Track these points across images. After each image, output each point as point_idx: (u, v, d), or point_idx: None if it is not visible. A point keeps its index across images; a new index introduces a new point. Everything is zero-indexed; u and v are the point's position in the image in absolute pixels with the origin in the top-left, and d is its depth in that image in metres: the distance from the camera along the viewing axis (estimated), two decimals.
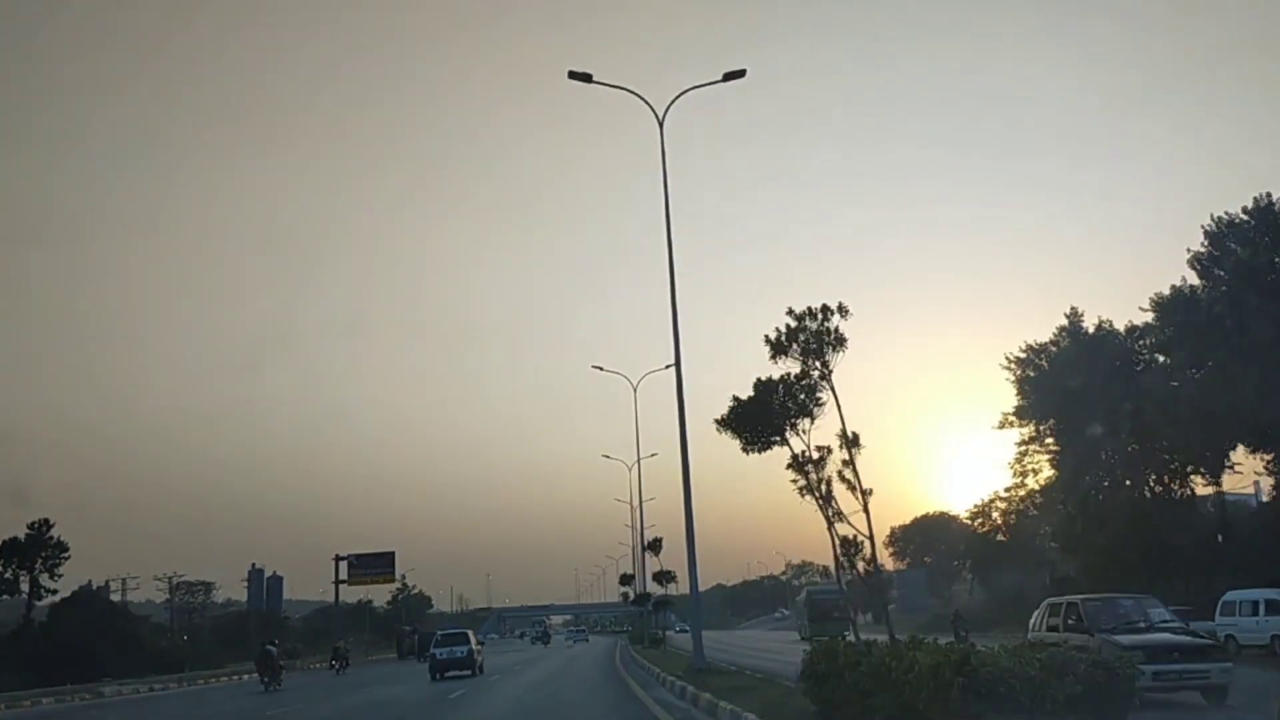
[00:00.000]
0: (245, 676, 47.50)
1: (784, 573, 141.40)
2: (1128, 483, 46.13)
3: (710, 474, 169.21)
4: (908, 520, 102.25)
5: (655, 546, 51.06)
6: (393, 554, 77.37)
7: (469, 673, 32.61)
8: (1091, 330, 48.59)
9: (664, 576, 53.48)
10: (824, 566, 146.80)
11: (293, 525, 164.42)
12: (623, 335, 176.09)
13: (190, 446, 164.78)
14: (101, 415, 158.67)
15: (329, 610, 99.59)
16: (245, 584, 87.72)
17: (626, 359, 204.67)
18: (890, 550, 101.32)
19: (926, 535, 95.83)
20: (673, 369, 23.92)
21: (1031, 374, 50.79)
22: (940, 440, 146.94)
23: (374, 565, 76.89)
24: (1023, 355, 51.96)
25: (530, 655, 56.31)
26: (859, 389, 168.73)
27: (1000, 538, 57.42)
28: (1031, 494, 53.02)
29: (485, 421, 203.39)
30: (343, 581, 74.61)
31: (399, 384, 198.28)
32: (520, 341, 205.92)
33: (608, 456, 65.16)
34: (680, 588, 51.62)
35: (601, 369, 52.26)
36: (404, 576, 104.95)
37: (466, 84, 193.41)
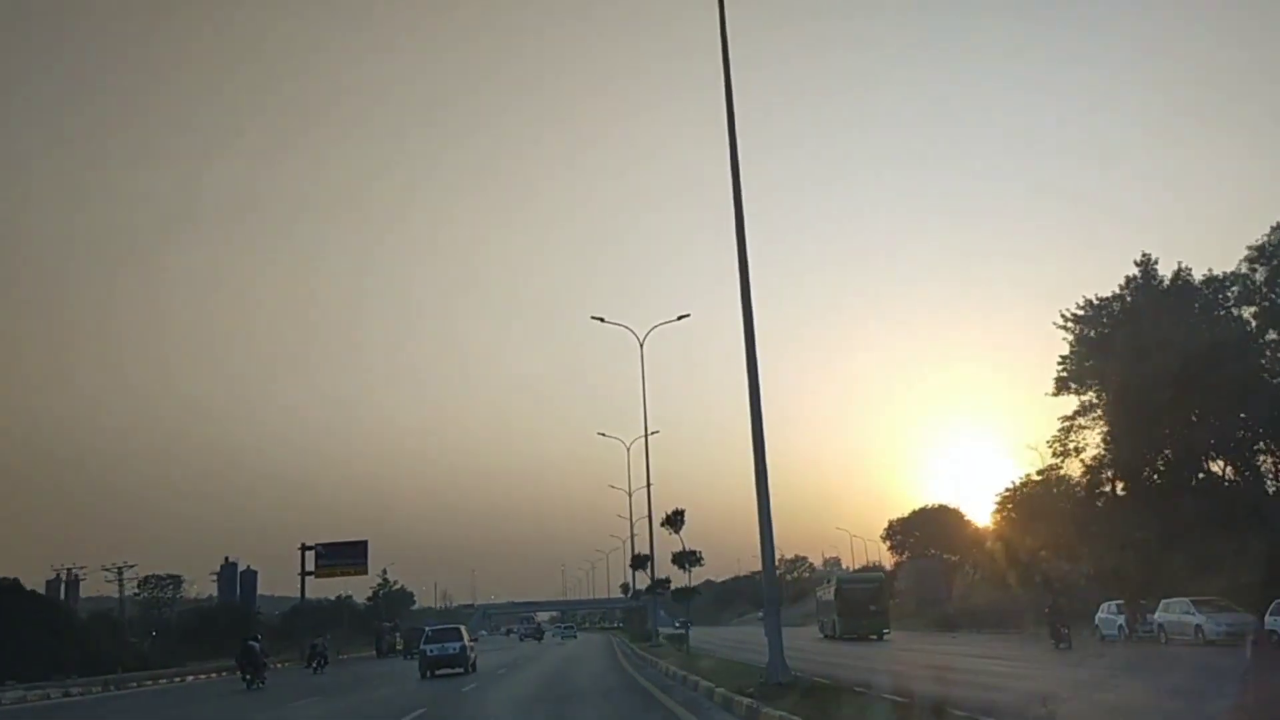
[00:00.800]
0: (213, 676, 45.21)
1: (777, 566, 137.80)
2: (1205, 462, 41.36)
3: (694, 468, 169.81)
4: (905, 513, 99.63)
5: (676, 521, 39.18)
6: (365, 544, 72.23)
7: (461, 670, 31.10)
8: (1169, 279, 43.85)
9: (686, 558, 41.89)
10: (814, 562, 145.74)
11: (271, 519, 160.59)
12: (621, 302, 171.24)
13: (164, 437, 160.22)
14: (70, 407, 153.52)
15: (309, 606, 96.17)
16: (214, 578, 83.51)
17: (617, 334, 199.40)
18: (888, 544, 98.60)
19: (927, 528, 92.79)
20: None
21: (1093, 334, 46.48)
22: (941, 435, 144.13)
23: (345, 556, 71.50)
24: (1081, 311, 47.36)
25: (520, 654, 52.58)
26: (856, 380, 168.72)
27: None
28: (1062, 480, 48.69)
29: (472, 415, 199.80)
30: (310, 573, 69.42)
31: (382, 376, 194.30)
32: (508, 332, 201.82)
33: (603, 434, 63.07)
34: (702, 573, 47.56)
35: (603, 320, 47.31)
36: (385, 571, 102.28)
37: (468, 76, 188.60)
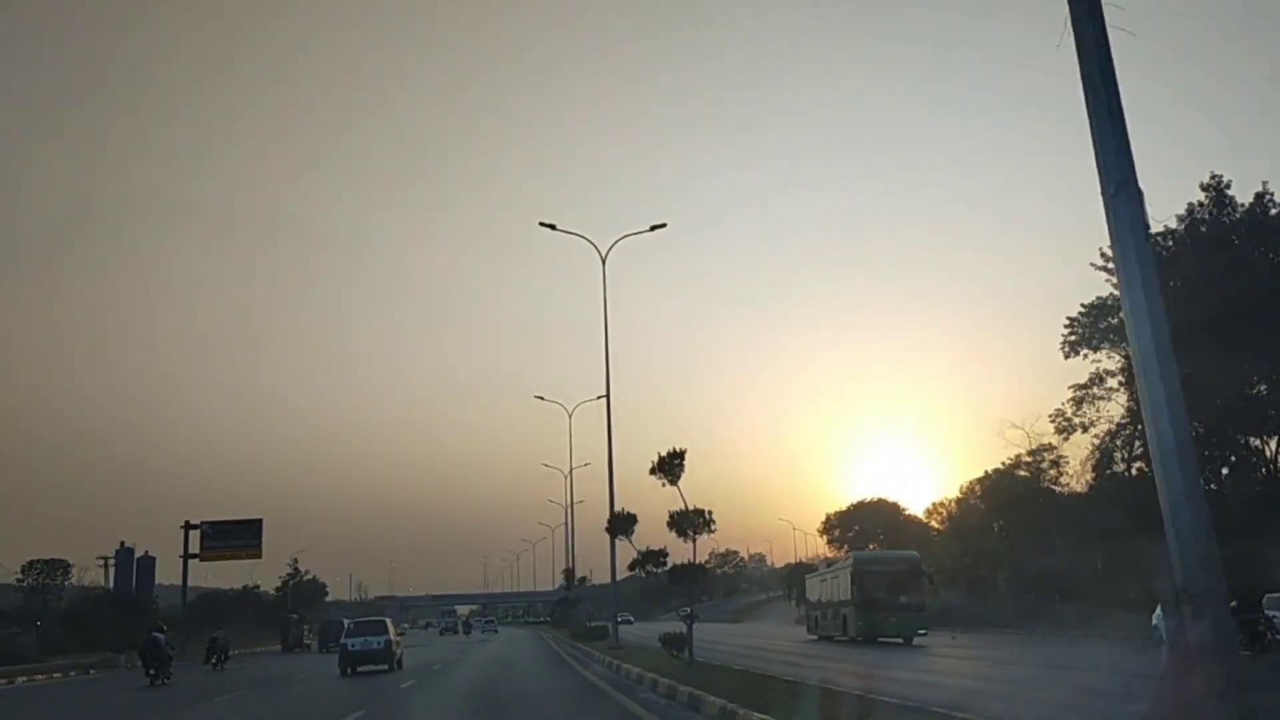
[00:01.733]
0: (93, 671, 41.52)
1: (708, 561, 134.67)
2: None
3: (627, 462, 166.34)
4: (843, 507, 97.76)
5: (673, 468, 32.42)
6: (259, 523, 64.51)
7: (385, 668, 28.94)
8: (1245, 206, 36.03)
9: (691, 521, 38.11)
10: (751, 555, 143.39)
11: (175, 506, 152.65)
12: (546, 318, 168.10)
13: (59, 418, 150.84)
14: None
15: (214, 596, 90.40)
16: (100, 564, 76.04)
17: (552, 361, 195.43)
18: (826, 538, 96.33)
19: (866, 521, 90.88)
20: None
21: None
22: (871, 433, 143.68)
23: (235, 536, 63.16)
24: None
25: (448, 649, 48.20)
26: (788, 380, 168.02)
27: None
28: (1055, 464, 44.95)
29: (393, 404, 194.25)
30: (194, 556, 61.50)
31: (302, 370, 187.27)
32: (438, 322, 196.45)
33: (542, 398, 62.04)
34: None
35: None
36: (295, 561, 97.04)
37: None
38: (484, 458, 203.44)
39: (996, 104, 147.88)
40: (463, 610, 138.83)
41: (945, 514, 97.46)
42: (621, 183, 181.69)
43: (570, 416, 57.14)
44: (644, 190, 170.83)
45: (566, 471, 65.97)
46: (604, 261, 35.52)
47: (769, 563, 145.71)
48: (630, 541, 23.20)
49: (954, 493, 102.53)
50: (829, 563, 45.67)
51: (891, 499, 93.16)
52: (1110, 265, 37.31)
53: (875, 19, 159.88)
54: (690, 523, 20.72)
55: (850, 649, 32.10)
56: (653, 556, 22.13)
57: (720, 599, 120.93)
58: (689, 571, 22.57)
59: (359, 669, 28.54)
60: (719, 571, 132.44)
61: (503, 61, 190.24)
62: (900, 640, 33.68)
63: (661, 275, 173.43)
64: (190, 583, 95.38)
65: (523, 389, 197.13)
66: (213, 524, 62.60)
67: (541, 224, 36.35)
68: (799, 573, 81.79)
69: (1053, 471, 45.36)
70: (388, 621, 31.64)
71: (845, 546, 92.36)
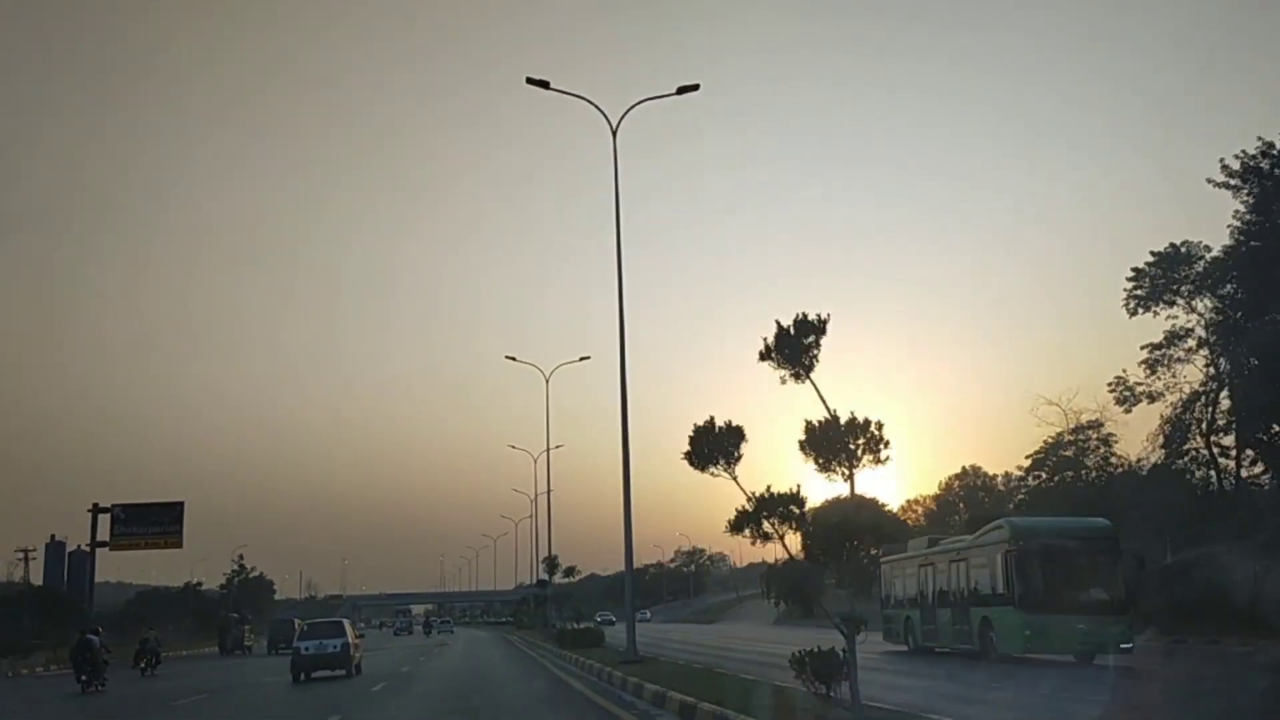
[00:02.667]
0: (11, 675, 38.34)
1: (672, 560, 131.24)
2: None
3: (588, 461, 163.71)
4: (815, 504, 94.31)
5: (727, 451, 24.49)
6: (179, 506, 56.82)
7: (343, 673, 26.63)
8: None
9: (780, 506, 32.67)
10: (710, 555, 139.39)
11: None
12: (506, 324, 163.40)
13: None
14: None
15: (152, 594, 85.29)
16: (20, 557, 69.84)
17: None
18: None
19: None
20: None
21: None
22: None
23: (152, 521, 55.25)
24: (1256, 160, 32.27)
25: (389, 661, 43.67)
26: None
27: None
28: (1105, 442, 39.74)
29: (351, 403, 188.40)
30: (103, 544, 54.35)
31: (259, 367, 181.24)
32: (388, 315, 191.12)
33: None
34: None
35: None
36: (240, 556, 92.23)
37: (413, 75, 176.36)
38: (440, 452, 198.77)
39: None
40: (417, 610, 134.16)
41: (922, 510, 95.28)
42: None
43: (547, 381, 51.53)
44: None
45: (536, 455, 60.35)
46: (614, 134, 25.15)
47: (731, 563, 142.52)
48: (730, 475, 11.95)
49: (930, 489, 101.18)
50: (933, 540, 30.03)
51: (868, 495, 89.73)
52: (1233, 179, 32.56)
53: None
54: (840, 442, 11.53)
55: (1018, 673, 20.19)
56: (783, 501, 11.19)
57: (686, 599, 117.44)
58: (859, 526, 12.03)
59: (313, 674, 26.28)
60: (684, 570, 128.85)
61: None
62: (1081, 657, 21.93)
63: None
64: (128, 578, 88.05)
65: (483, 376, 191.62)
66: (126, 507, 55.25)
67: (530, 81, 24.94)
68: (780, 571, 77.89)
69: (1102, 450, 40.39)
70: (345, 623, 29.06)
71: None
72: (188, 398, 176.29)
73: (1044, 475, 42.55)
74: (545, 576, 54.51)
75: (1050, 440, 42.27)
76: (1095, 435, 40.31)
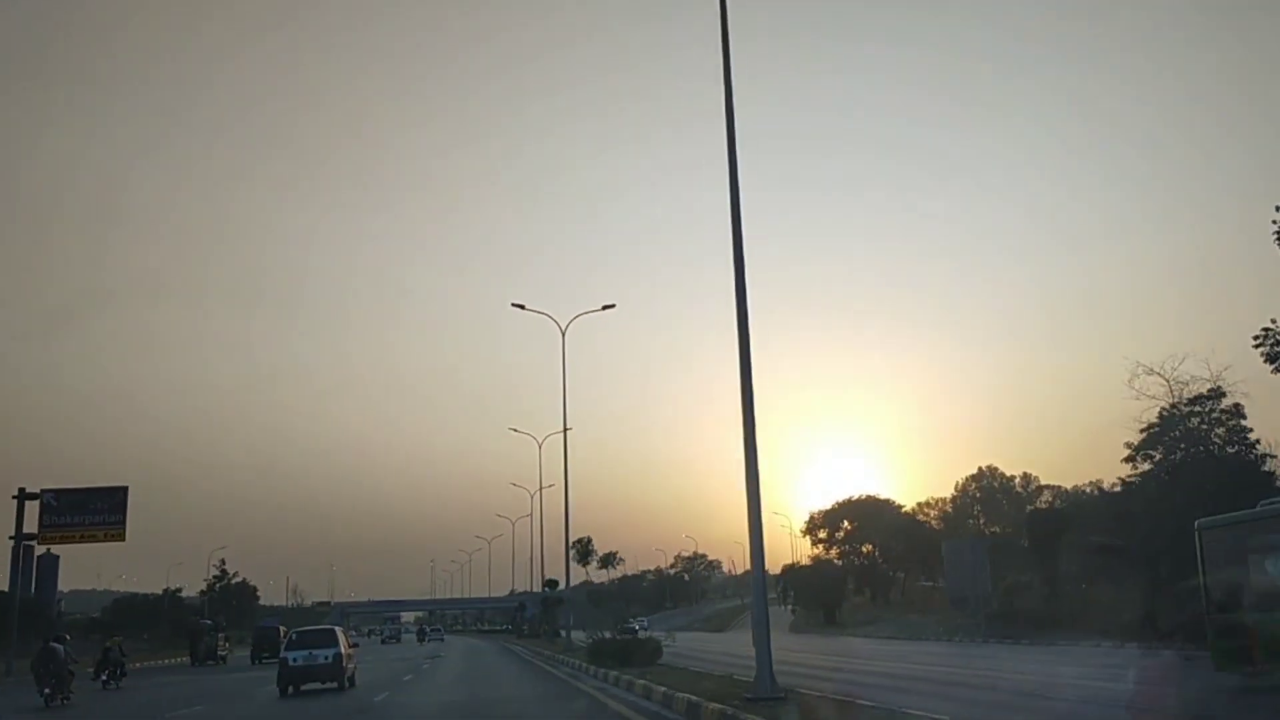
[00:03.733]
0: None
1: (673, 566, 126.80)
2: None
3: (585, 466, 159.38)
4: (828, 506, 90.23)
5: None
6: (122, 491, 49.53)
7: (335, 685, 24.50)
8: None
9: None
10: (709, 562, 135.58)
11: None
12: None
13: None
14: None
15: (129, 602, 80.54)
16: None
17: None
18: (810, 537, 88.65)
19: (859, 520, 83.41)
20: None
21: None
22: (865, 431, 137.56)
23: (87, 509, 48.09)
24: None
25: (368, 676, 39.56)
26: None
27: None
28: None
29: (337, 404, 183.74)
30: (30, 537, 46.85)
31: (234, 362, 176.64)
32: (385, 318, 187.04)
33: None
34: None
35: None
36: (222, 562, 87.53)
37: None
38: (433, 458, 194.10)
39: None
40: (407, 617, 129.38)
41: (936, 512, 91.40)
42: None
43: (563, 334, 45.10)
44: None
45: (542, 439, 56.15)
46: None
47: (726, 570, 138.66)
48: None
49: (944, 490, 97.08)
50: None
51: (881, 496, 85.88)
52: None
53: None
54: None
55: None
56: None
57: (688, 605, 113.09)
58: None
59: (301, 687, 24.15)
60: (684, 577, 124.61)
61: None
62: None
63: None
64: (103, 585, 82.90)
65: (475, 391, 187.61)
66: (59, 493, 48.15)
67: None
68: (800, 574, 73.82)
69: (1231, 423, 33.54)
70: (338, 631, 26.41)
71: (835, 548, 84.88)
72: (167, 398, 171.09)
73: (1157, 456, 34.83)
74: (553, 577, 49.88)
75: (1161, 415, 35.31)
76: (1216, 407, 33.58)
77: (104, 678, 32.27)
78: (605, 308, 42.77)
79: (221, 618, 52.61)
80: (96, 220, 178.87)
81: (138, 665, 47.18)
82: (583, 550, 46.79)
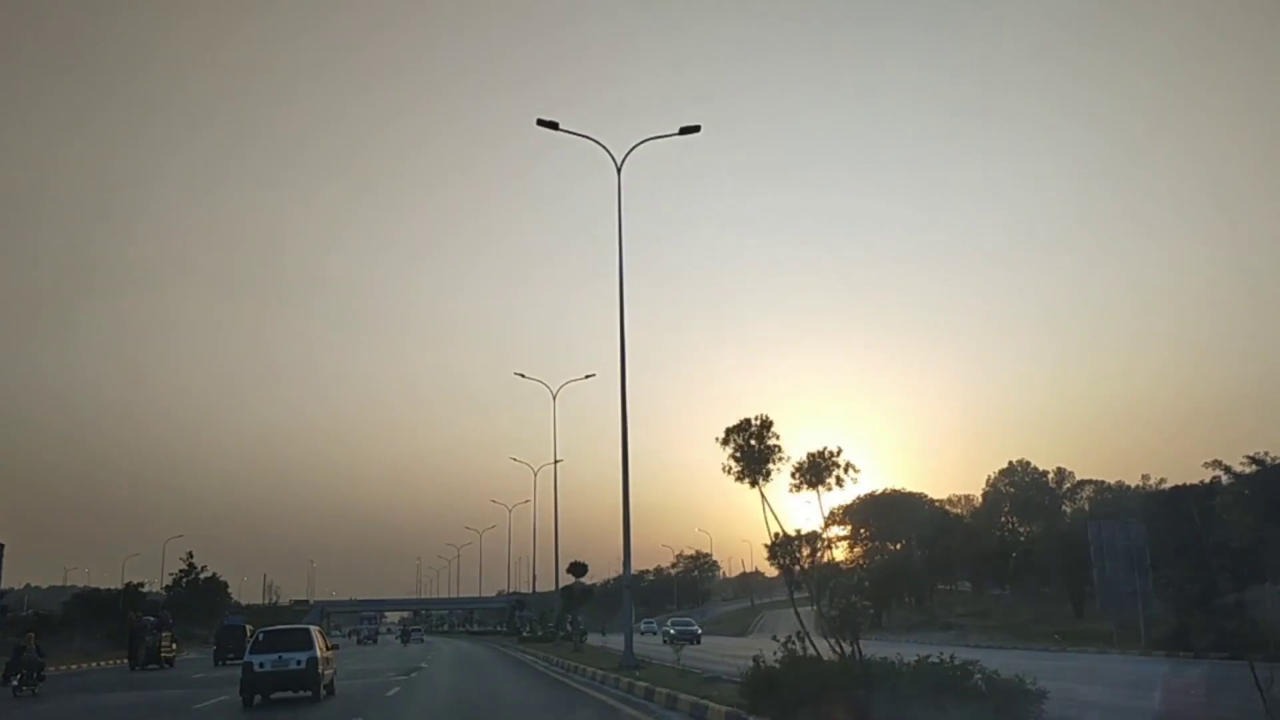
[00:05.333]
0: None
1: (674, 565, 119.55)
2: None
3: (576, 470, 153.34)
4: (848, 500, 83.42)
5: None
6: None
7: (309, 694, 20.87)
8: None
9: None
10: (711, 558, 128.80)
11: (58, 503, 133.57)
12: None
13: None
14: None
15: (88, 597, 73.87)
16: None
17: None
18: (832, 532, 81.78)
19: (887, 514, 76.74)
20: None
21: None
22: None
23: None
24: None
25: (386, 664, 32.86)
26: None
27: None
28: None
29: (322, 401, 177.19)
30: None
31: (211, 354, 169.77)
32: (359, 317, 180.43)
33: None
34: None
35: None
36: (190, 554, 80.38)
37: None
38: (421, 452, 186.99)
39: None
40: (392, 617, 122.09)
41: (964, 507, 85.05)
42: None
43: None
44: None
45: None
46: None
47: (723, 573, 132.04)
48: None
49: (967, 487, 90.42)
50: None
51: (906, 490, 79.31)
52: None
53: None
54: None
55: None
56: None
57: (691, 607, 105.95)
58: None
59: (271, 695, 20.97)
60: (689, 576, 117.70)
61: None
62: None
63: None
64: (67, 581, 77.78)
65: (471, 377, 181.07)
66: None
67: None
68: (829, 572, 66.78)
69: None
70: (313, 631, 22.06)
71: (859, 545, 78.15)
72: (143, 391, 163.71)
73: None
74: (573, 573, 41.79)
75: None
76: None
77: (15, 682, 26.83)
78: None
79: (167, 612, 44.72)
80: (81, 212, 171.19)
81: (69, 667, 40.28)
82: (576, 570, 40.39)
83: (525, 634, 62.61)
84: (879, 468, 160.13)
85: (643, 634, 57.86)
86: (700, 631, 51.11)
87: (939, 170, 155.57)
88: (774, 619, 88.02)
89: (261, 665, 20.43)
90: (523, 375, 52.50)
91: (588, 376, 49.36)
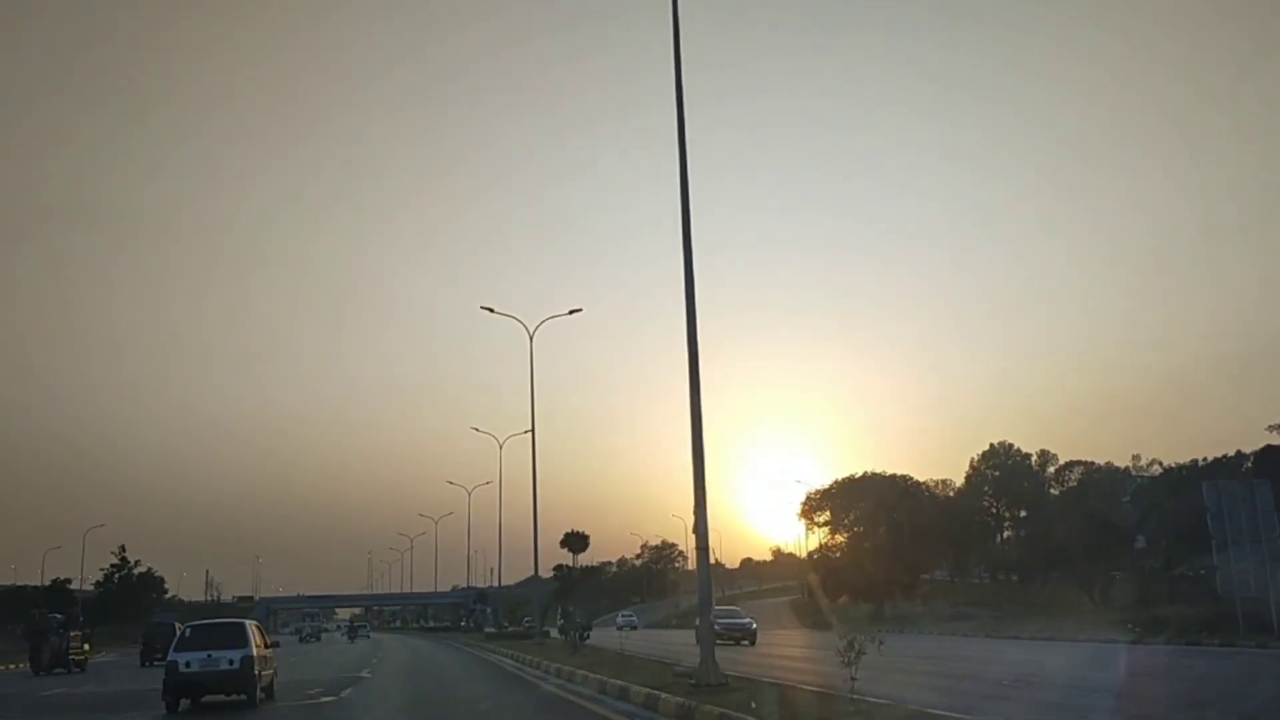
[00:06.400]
0: None
1: (639, 556, 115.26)
2: None
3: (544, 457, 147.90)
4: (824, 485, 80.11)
5: None
6: None
7: (244, 697, 18.21)
8: None
9: None
10: (683, 550, 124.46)
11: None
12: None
13: None
14: None
15: (17, 594, 68.96)
16: None
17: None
18: (809, 520, 78.05)
19: (870, 498, 73.30)
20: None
21: None
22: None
23: None
24: None
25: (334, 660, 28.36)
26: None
27: None
28: None
29: (279, 396, 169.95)
30: None
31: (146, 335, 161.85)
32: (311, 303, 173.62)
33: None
34: None
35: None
36: (122, 548, 74.88)
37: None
38: (372, 444, 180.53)
39: None
40: (343, 613, 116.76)
41: (950, 490, 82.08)
42: None
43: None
44: None
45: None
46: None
47: (688, 563, 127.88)
48: None
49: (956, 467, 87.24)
50: None
51: (887, 472, 75.74)
52: None
53: None
54: None
55: None
56: None
57: (658, 599, 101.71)
58: None
59: (199, 699, 18.39)
60: (652, 568, 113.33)
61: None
62: None
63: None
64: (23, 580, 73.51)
65: (413, 372, 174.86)
66: None
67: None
68: (823, 563, 62.97)
69: None
70: (248, 626, 19.27)
71: (841, 532, 74.56)
72: (78, 382, 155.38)
73: None
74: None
75: None
76: None
77: None
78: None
79: (78, 609, 39.31)
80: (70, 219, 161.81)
81: None
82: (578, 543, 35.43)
83: (490, 630, 57.75)
84: (857, 451, 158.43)
85: (620, 629, 53.18)
86: (635, 625, 45.64)
87: (921, 144, 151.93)
88: (754, 611, 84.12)
89: (188, 665, 17.86)
90: (491, 310, 44.86)
91: (572, 312, 44.22)
